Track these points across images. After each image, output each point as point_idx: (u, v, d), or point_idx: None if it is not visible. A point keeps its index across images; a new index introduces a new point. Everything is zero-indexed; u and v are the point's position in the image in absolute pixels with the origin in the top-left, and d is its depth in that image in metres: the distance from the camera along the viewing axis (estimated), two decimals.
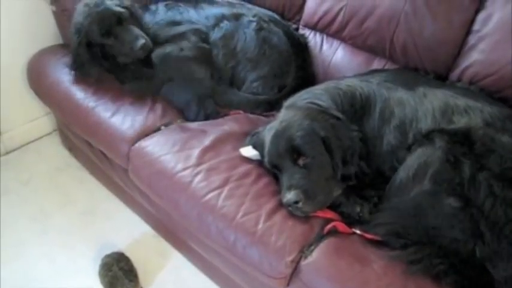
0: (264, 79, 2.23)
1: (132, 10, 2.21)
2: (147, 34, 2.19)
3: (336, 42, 2.38)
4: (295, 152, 1.70)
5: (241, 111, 2.18)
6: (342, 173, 1.72)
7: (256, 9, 2.40)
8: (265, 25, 2.27)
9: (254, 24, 2.25)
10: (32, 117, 2.87)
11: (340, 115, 1.81)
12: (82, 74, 2.21)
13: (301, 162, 1.69)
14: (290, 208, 1.64)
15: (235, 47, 2.22)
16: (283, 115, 1.83)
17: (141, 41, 2.11)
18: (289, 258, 1.56)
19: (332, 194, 1.71)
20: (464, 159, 1.55)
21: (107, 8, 2.11)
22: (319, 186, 1.66)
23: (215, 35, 2.25)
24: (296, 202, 1.61)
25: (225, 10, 2.34)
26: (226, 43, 2.23)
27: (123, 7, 2.16)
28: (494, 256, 1.47)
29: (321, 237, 1.62)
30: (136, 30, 2.15)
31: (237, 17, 2.30)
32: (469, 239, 1.51)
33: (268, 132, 1.79)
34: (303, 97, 1.94)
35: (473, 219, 1.50)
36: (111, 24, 2.11)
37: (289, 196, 1.62)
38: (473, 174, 1.53)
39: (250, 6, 2.46)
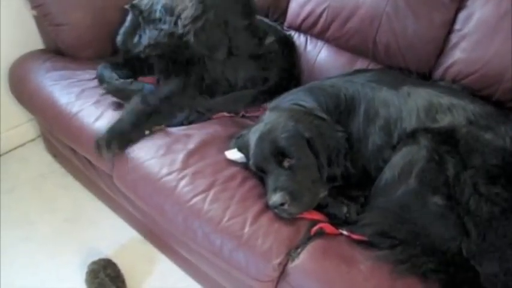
0: (249, 73, 2.20)
1: None
2: None
3: (319, 43, 2.39)
4: (280, 154, 1.69)
5: (225, 113, 2.17)
6: (327, 173, 1.72)
7: None
8: None
9: None
10: (15, 124, 2.82)
11: (324, 116, 1.82)
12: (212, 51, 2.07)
13: (286, 164, 1.69)
14: (276, 210, 1.64)
15: None
16: (268, 117, 1.83)
17: (272, 37, 2.09)
18: (276, 261, 1.55)
19: (318, 195, 1.71)
20: (448, 158, 1.57)
21: None
22: (305, 188, 1.66)
23: None
24: (282, 204, 1.61)
25: None
26: None
27: None
28: (480, 253, 1.48)
29: (307, 239, 1.62)
30: (263, 22, 2.14)
31: None
32: (455, 237, 1.52)
33: (252, 134, 1.79)
34: (287, 98, 1.94)
35: (459, 217, 1.51)
36: (252, 8, 2.07)
37: (275, 198, 1.61)
38: (458, 173, 1.54)
39: None
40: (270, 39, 2.07)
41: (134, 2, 2.18)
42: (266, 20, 2.45)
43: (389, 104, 1.80)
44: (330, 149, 1.74)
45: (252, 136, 1.78)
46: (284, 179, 1.66)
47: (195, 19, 1.98)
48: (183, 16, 2.01)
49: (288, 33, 2.46)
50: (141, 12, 2.14)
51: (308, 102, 1.87)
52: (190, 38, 2.00)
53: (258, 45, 2.07)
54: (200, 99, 2.13)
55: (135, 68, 2.25)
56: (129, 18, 2.22)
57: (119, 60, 2.28)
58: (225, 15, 1.99)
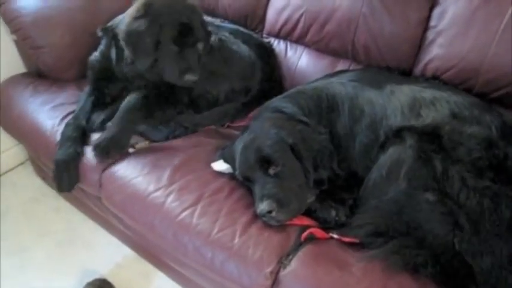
0: (230, 85, 2.20)
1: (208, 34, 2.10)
2: None
3: (299, 48, 2.41)
4: (265, 162, 1.70)
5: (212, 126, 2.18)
6: (314, 178, 1.73)
7: (214, 27, 2.36)
8: (223, 37, 2.26)
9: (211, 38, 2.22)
10: (3, 148, 2.81)
11: (306, 120, 1.83)
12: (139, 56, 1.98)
13: (272, 171, 1.70)
14: (264, 218, 1.64)
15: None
16: (251, 126, 1.84)
17: (194, 76, 1.96)
18: (268, 270, 1.56)
19: (306, 201, 1.72)
20: (435, 155, 1.58)
21: (190, 23, 1.95)
22: (292, 194, 1.67)
23: None
24: (270, 212, 1.61)
25: None
26: None
27: (203, 27, 2.05)
28: (473, 247, 1.48)
29: (298, 246, 1.62)
30: (196, 60, 1.99)
31: None
32: (448, 231, 1.52)
33: (237, 144, 1.80)
34: (269, 107, 1.95)
35: (451, 211, 1.51)
36: (186, 40, 1.96)
37: (262, 206, 1.62)
38: (446, 169, 1.55)
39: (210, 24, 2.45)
40: (190, 77, 1.96)
41: (107, 25, 2.14)
42: (242, 28, 2.46)
43: (374, 103, 1.81)
44: (314, 152, 1.75)
45: (237, 146, 1.79)
46: (270, 186, 1.66)
47: (134, 18, 1.94)
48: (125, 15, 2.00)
49: (267, 40, 2.49)
50: (114, 35, 2.09)
51: (289, 107, 1.88)
52: (121, 35, 1.97)
53: (178, 77, 1.96)
54: (187, 115, 2.14)
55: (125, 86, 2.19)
56: (104, 41, 2.18)
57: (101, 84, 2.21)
58: (158, 33, 1.93)
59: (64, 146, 2.01)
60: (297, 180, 1.70)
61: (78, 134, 2.04)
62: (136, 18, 1.93)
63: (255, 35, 2.46)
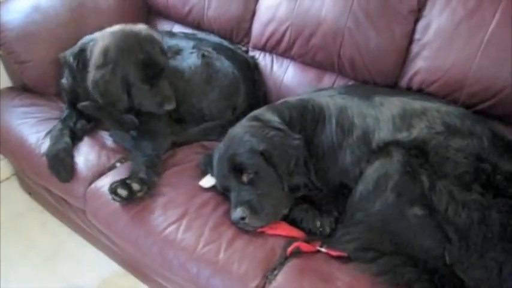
0: (215, 103, 2.22)
1: (167, 56, 2.12)
2: None
3: (285, 61, 2.41)
4: (238, 170, 1.72)
5: None
6: (289, 183, 1.73)
7: (197, 41, 2.40)
8: (206, 53, 2.26)
9: (195, 54, 2.24)
10: None
11: (281, 126, 1.83)
12: (111, 102, 2.00)
13: (245, 178, 1.72)
14: (239, 225, 1.66)
15: (182, 77, 2.17)
16: (227, 135, 1.86)
17: (171, 105, 2.00)
18: (253, 284, 1.55)
19: (282, 207, 1.73)
20: (421, 170, 1.58)
21: (152, 58, 1.96)
22: (265, 200, 1.68)
23: None
24: (243, 218, 1.63)
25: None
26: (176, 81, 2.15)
27: (163, 52, 2.06)
28: (463, 260, 1.48)
29: (284, 260, 1.62)
30: (168, 88, 2.02)
31: (176, 52, 2.28)
32: (437, 245, 1.52)
33: (215, 154, 1.83)
34: (248, 116, 1.96)
35: (440, 225, 1.51)
36: (153, 75, 1.97)
37: (235, 213, 1.65)
38: (433, 183, 1.55)
39: (192, 37, 2.47)
40: (169, 107, 2.00)
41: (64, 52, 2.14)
42: (226, 42, 2.47)
43: (366, 115, 1.81)
44: (288, 158, 1.75)
45: (214, 156, 1.82)
46: (244, 193, 1.69)
47: (97, 68, 1.95)
48: (90, 63, 2.00)
49: (252, 54, 2.49)
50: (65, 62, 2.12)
51: (268, 116, 1.89)
52: (90, 86, 1.98)
53: (158, 106, 2.00)
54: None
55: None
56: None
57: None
58: (125, 75, 1.94)
59: (55, 141, 2.03)
60: (271, 187, 1.71)
61: (68, 133, 2.07)
62: (98, 67, 1.94)
63: (238, 51, 2.46)
